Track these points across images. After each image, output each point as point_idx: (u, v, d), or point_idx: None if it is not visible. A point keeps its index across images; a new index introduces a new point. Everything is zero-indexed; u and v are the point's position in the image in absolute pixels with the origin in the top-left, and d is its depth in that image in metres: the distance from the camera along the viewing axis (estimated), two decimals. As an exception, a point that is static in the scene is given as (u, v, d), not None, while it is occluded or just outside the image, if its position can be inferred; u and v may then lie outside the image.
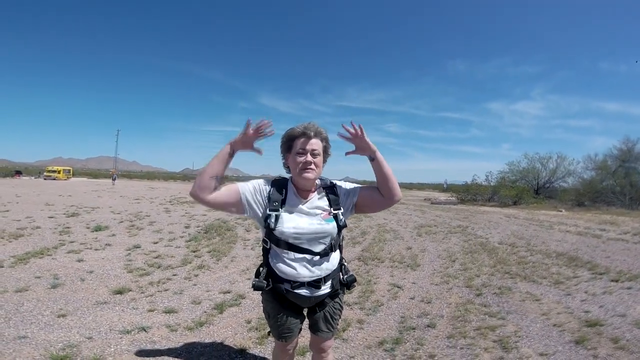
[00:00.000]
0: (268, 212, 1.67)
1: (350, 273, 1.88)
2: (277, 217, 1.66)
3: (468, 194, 32.04)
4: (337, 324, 1.94)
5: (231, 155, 1.65)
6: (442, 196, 39.65)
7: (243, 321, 3.50)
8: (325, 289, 1.76)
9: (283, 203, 1.70)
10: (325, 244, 1.72)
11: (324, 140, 1.75)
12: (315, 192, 1.77)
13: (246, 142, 1.65)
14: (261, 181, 1.78)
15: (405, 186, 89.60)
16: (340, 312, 1.93)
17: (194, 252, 6.54)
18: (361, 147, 1.70)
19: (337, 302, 1.89)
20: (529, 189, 31.43)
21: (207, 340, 3.07)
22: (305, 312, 1.90)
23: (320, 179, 1.81)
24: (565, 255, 7.11)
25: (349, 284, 1.86)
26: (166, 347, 2.91)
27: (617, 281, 5.29)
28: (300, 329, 1.92)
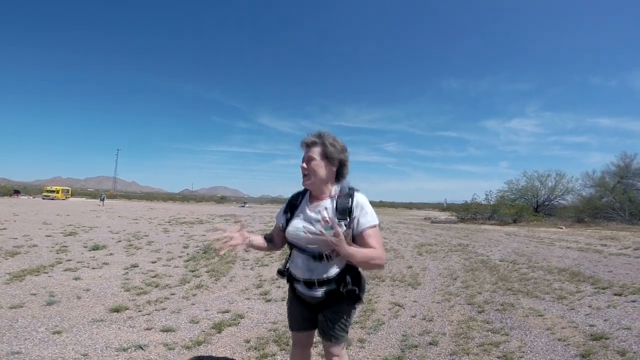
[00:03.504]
0: (285, 215, 1.93)
1: (352, 287, 1.78)
2: (287, 220, 1.89)
3: (468, 212, 31.95)
4: (341, 332, 1.86)
5: (252, 246, 1.90)
6: (442, 215, 39.52)
7: (242, 341, 3.43)
8: (318, 292, 1.80)
9: (295, 208, 1.90)
10: (320, 249, 1.75)
11: (322, 145, 1.81)
12: (328, 199, 1.83)
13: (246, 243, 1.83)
14: (291, 197, 2.01)
15: (404, 206, 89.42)
16: (343, 320, 1.86)
17: (193, 271, 6.46)
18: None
19: (339, 310, 1.84)
20: (528, 207, 31.37)
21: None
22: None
23: (341, 187, 1.85)
24: (567, 271, 7.04)
25: (347, 294, 1.78)
26: (163, 366, 2.85)
27: (620, 295, 5.24)
28: (310, 328, 1.97)
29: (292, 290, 1.96)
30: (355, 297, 1.80)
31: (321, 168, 1.79)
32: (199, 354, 3.08)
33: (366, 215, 1.76)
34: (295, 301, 1.95)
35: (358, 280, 1.82)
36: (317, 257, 1.77)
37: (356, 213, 1.75)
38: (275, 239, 1.97)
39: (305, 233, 1.76)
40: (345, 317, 1.87)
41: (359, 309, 2.03)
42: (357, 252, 1.67)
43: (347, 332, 1.90)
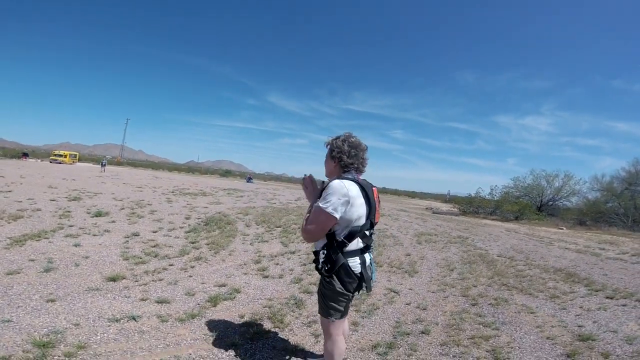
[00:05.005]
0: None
1: (321, 265, 2.13)
2: None
3: (471, 206, 31.84)
4: (321, 304, 2.22)
5: None
6: (444, 206, 39.46)
7: (236, 315, 3.48)
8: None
9: None
10: None
11: (329, 147, 2.28)
12: None
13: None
14: None
15: (407, 194, 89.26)
16: (321, 293, 2.20)
17: (193, 243, 6.53)
18: None
19: (320, 282, 2.24)
20: (531, 205, 31.22)
21: (197, 333, 3.03)
22: None
23: (338, 177, 2.17)
24: (563, 271, 7.05)
25: (317, 268, 2.19)
26: (154, 338, 2.87)
27: (612, 298, 5.28)
28: None
29: None
30: (321, 273, 2.16)
31: (327, 164, 2.29)
32: (193, 328, 3.12)
33: (322, 198, 2.08)
34: None
35: (332, 262, 2.09)
36: None
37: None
38: None
39: None
40: (322, 291, 2.21)
41: (333, 294, 2.26)
42: (312, 209, 2.12)
43: (327, 311, 2.17)
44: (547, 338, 3.59)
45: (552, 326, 3.94)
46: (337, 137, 2.25)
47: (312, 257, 2.32)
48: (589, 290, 5.69)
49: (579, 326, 3.99)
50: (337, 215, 2.01)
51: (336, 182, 2.05)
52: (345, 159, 2.18)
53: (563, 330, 3.85)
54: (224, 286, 4.32)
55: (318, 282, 2.28)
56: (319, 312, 2.26)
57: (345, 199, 2.01)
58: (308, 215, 2.15)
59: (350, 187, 2.05)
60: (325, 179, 2.32)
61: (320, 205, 2.03)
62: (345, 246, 2.08)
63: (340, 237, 2.07)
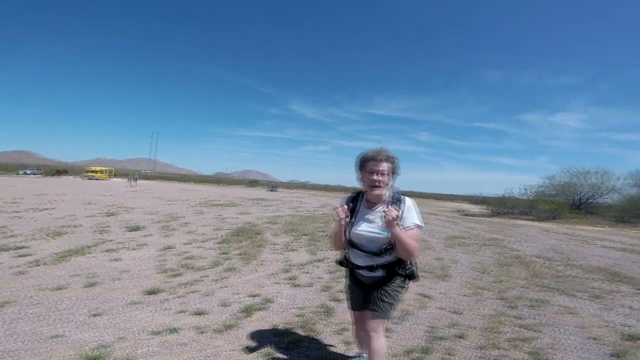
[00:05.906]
0: (349, 220, 2.30)
1: (410, 268, 2.26)
2: (351, 224, 2.30)
3: (503, 206, 30.78)
4: (387, 307, 2.25)
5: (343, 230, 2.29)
6: (475, 208, 38.39)
7: (270, 325, 3.51)
8: (379, 273, 2.27)
9: (356, 212, 2.33)
10: (379, 246, 2.22)
11: (392, 162, 2.23)
12: (383, 204, 2.25)
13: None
14: (346, 199, 2.43)
15: (435, 197, 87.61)
16: (393, 297, 2.26)
17: (224, 254, 6.65)
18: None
19: (392, 287, 2.27)
20: (568, 204, 29.92)
21: (234, 344, 3.07)
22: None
23: (393, 193, 2.27)
24: (606, 271, 6.72)
25: (407, 275, 2.27)
26: (194, 350, 2.93)
27: (661, 297, 4.97)
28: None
29: (352, 276, 2.45)
30: (413, 276, 2.28)
31: (389, 181, 2.26)
32: (229, 338, 3.18)
33: (411, 216, 2.20)
34: (355, 286, 2.45)
35: (412, 268, 2.28)
36: (381, 251, 2.22)
37: (405, 214, 2.21)
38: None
39: (370, 233, 2.23)
40: (396, 293, 2.29)
41: (405, 293, 2.44)
42: (403, 235, 2.09)
43: (392, 309, 2.28)
44: (592, 339, 3.46)
45: (597, 327, 3.79)
46: (389, 152, 2.28)
47: (336, 265, 2.53)
48: (635, 289, 5.41)
49: (626, 326, 3.82)
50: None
51: (411, 201, 2.26)
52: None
53: (609, 330, 3.69)
54: (257, 296, 4.37)
55: (381, 288, 2.30)
56: (379, 316, 2.27)
57: None
58: (407, 237, 2.12)
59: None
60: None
61: (422, 225, 2.22)
62: None
63: None
